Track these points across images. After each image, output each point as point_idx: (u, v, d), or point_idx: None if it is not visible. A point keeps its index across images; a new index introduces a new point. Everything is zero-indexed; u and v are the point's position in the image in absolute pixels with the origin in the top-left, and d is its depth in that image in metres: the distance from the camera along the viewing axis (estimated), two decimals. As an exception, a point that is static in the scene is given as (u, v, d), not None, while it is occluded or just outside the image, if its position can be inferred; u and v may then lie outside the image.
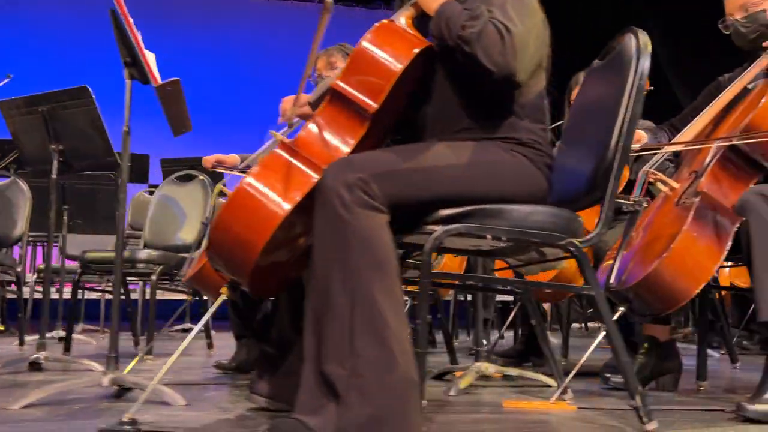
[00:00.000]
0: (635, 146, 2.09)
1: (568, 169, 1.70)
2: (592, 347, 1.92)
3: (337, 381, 1.26)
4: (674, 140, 2.05)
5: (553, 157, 1.67)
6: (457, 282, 2.57)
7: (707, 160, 1.88)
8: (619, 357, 1.50)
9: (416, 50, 1.54)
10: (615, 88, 1.62)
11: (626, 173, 2.48)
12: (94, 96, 2.67)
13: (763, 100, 1.83)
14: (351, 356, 1.26)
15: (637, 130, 2.10)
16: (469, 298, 3.69)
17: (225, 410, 1.79)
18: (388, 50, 1.53)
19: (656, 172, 1.99)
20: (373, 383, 1.25)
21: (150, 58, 2.19)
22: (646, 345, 2.21)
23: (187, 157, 4.47)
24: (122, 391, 1.97)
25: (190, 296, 3.33)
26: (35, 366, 2.51)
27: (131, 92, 2.04)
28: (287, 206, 1.39)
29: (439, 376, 2.49)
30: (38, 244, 5.54)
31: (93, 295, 5.18)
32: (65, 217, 3.87)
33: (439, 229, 1.46)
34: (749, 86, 1.97)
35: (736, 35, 2.11)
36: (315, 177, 1.42)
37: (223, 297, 1.55)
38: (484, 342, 2.93)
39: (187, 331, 4.85)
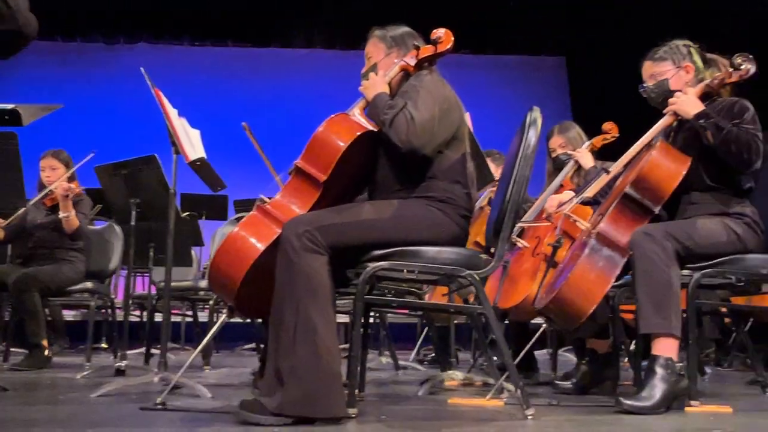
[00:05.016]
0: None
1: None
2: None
3: (283, 372, 1.85)
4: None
5: (471, 210, 2.20)
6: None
7: (609, 205, 2.34)
8: (505, 359, 2.01)
9: (358, 133, 2.13)
10: (514, 152, 2.14)
11: None
12: (160, 162, 3.43)
13: (652, 154, 2.28)
14: (292, 355, 1.85)
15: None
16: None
17: (237, 400, 2.40)
18: (335, 135, 2.12)
19: (570, 214, 2.45)
20: (304, 373, 1.83)
21: (194, 135, 2.89)
22: (587, 357, 2.65)
23: (252, 198, 5.14)
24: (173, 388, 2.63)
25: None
26: (119, 372, 3.24)
27: (177, 163, 2.76)
28: (257, 250, 2.00)
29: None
30: (136, 275, 6.35)
31: (177, 318, 6.02)
32: (151, 253, 4.21)
33: (370, 265, 2.03)
34: (652, 142, 2.41)
35: (648, 98, 2.53)
36: (278, 230, 2.02)
37: (223, 318, 2.18)
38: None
39: (255, 350, 5.57)
